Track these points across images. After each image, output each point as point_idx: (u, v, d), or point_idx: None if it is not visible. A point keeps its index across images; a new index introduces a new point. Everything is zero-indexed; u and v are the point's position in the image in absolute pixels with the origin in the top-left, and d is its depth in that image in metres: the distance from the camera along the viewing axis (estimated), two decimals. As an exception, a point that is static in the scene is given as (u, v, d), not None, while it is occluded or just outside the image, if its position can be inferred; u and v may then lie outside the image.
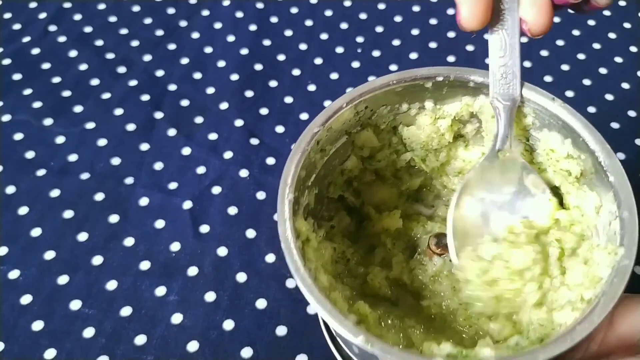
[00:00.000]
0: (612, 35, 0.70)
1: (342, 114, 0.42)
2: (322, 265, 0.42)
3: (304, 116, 0.64)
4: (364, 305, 0.42)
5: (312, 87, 0.67)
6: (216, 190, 0.59)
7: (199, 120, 0.64)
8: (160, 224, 0.57)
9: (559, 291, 0.39)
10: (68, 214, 0.57)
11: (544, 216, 0.41)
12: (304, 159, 0.40)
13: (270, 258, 0.54)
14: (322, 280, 0.39)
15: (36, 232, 0.56)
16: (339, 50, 0.70)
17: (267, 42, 0.71)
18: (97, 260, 0.54)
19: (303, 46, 0.70)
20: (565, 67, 0.68)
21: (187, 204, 0.58)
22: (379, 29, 0.72)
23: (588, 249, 0.40)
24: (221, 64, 0.69)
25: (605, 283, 0.34)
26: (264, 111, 0.65)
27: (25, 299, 0.52)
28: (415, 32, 0.72)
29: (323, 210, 0.47)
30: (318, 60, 0.69)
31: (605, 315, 0.32)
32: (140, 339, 0.50)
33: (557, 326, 0.38)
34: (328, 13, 0.73)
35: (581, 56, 0.69)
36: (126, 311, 0.52)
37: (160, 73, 0.68)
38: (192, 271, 0.54)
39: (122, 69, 0.68)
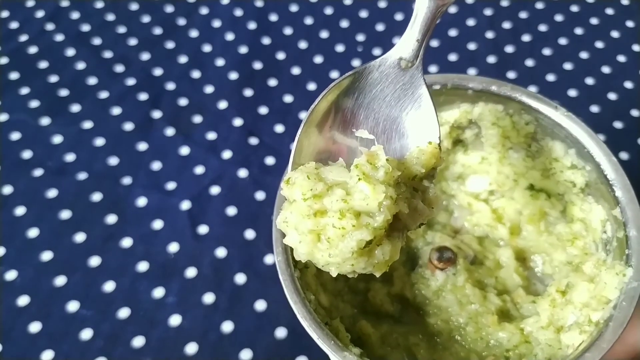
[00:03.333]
0: (615, 34, 0.70)
1: None
2: (322, 284, 0.41)
3: (303, 115, 0.64)
4: (366, 324, 0.42)
5: (312, 86, 0.66)
6: (215, 190, 0.58)
7: (197, 119, 0.63)
8: (158, 224, 0.56)
9: (565, 309, 0.39)
10: (65, 214, 0.57)
11: (418, 161, 0.33)
12: None
13: (269, 259, 0.54)
14: (322, 302, 0.39)
15: (33, 232, 0.55)
16: (339, 48, 0.69)
17: (266, 41, 0.70)
18: (95, 261, 0.54)
19: (303, 44, 0.70)
20: (568, 66, 0.67)
21: (186, 205, 0.57)
22: (380, 27, 0.71)
23: (594, 266, 0.39)
24: (220, 62, 0.68)
25: (613, 306, 0.34)
26: (263, 110, 0.64)
27: (23, 300, 0.52)
28: (416, 30, 0.71)
29: None
30: (318, 59, 0.68)
31: (614, 342, 0.32)
32: (139, 341, 0.50)
33: (564, 347, 0.37)
34: (328, 11, 0.73)
35: (584, 55, 0.68)
36: (124, 313, 0.51)
37: (158, 72, 0.67)
38: (191, 272, 0.53)
39: (119, 68, 0.67)
